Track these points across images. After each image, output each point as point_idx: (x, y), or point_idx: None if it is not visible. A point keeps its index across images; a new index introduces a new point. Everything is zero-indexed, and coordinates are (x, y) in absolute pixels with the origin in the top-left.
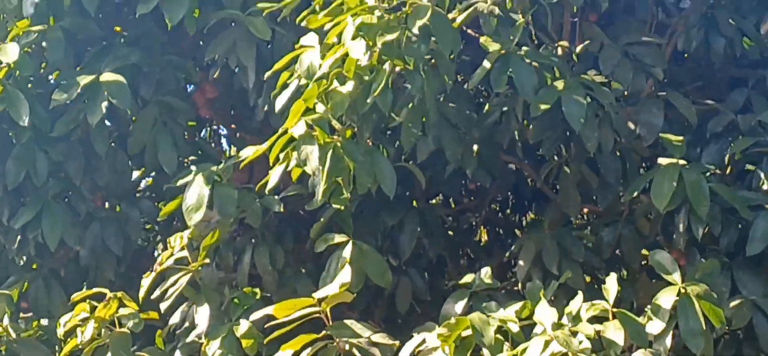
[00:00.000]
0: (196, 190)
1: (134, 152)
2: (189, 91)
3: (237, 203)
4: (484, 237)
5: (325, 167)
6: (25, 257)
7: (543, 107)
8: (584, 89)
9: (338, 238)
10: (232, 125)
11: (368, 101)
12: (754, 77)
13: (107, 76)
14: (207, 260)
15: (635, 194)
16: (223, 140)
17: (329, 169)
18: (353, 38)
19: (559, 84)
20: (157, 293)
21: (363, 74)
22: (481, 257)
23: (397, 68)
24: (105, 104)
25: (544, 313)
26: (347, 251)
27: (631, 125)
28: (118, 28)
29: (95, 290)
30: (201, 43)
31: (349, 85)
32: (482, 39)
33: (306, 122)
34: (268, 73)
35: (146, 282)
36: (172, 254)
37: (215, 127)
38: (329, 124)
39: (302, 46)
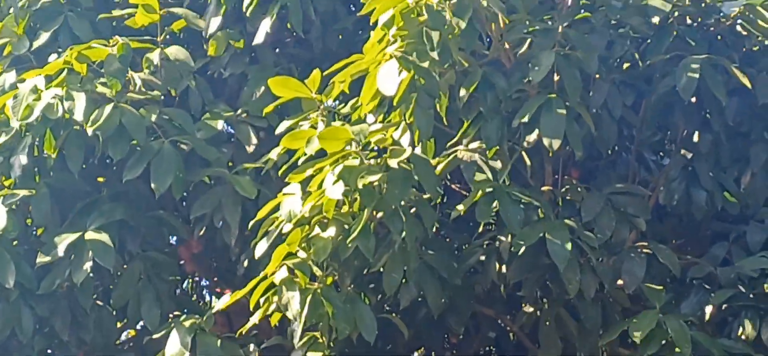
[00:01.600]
0: (177, 340)
1: (119, 306)
2: (173, 243)
3: (220, 352)
4: None
5: (303, 312)
6: None
7: (527, 242)
8: (568, 231)
9: None
10: (215, 278)
11: (349, 245)
12: (736, 232)
13: (92, 235)
14: None
15: (613, 338)
16: (205, 293)
17: (307, 314)
18: (334, 183)
19: (544, 224)
20: None
21: (344, 221)
22: None
23: (379, 215)
24: (89, 263)
25: None
26: None
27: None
28: (101, 179)
29: None
30: (186, 196)
31: (331, 231)
32: (468, 179)
33: (287, 267)
34: (251, 223)
35: None
36: None
37: (197, 279)
38: (311, 270)
39: (285, 194)
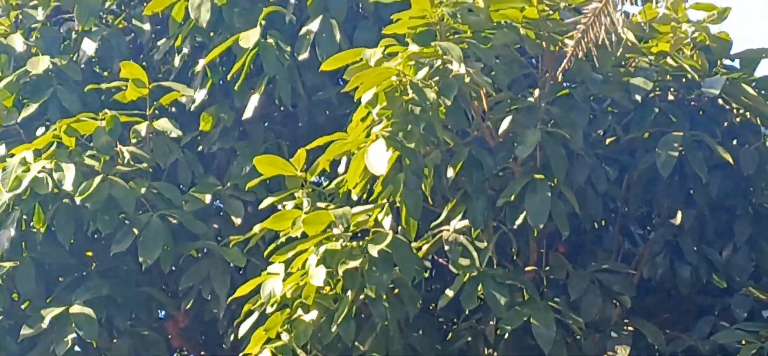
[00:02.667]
0: None
1: None
2: (161, 317)
3: None
4: None
5: None
6: None
7: (512, 326)
8: (553, 313)
9: None
10: (202, 352)
11: (332, 330)
12: (721, 305)
13: (76, 309)
14: None
15: None
16: None
17: None
18: (316, 266)
19: (529, 307)
20: None
21: (326, 304)
22: None
23: (362, 297)
24: (73, 336)
25: None
26: None
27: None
28: (89, 253)
29: None
30: (174, 269)
31: (313, 314)
32: (452, 263)
33: (270, 351)
34: (230, 298)
35: None
36: None
37: (185, 353)
38: (293, 353)
39: (268, 273)
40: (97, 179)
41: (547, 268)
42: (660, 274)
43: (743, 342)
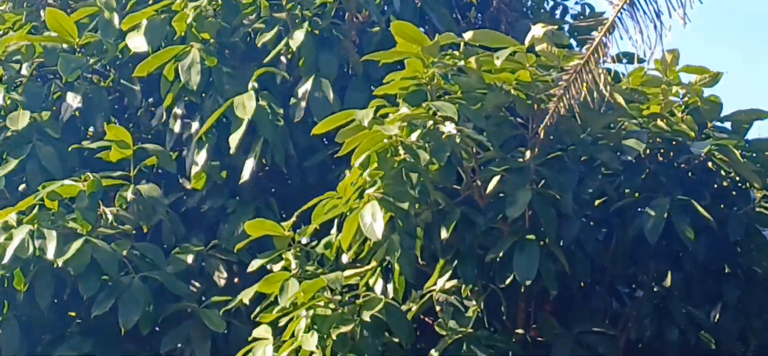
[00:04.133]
0: None
1: None
2: None
3: None
4: None
5: None
6: None
7: None
8: None
9: None
10: None
11: None
12: None
13: None
14: None
15: None
16: None
17: None
18: (306, 331)
19: None
20: None
21: None
22: None
23: None
24: None
25: None
26: None
27: None
28: (73, 314)
29: None
30: (157, 329)
31: None
32: (437, 325)
33: None
34: None
35: None
36: None
37: None
38: None
39: (256, 338)
40: (79, 242)
41: (535, 326)
42: (648, 336)
43: None
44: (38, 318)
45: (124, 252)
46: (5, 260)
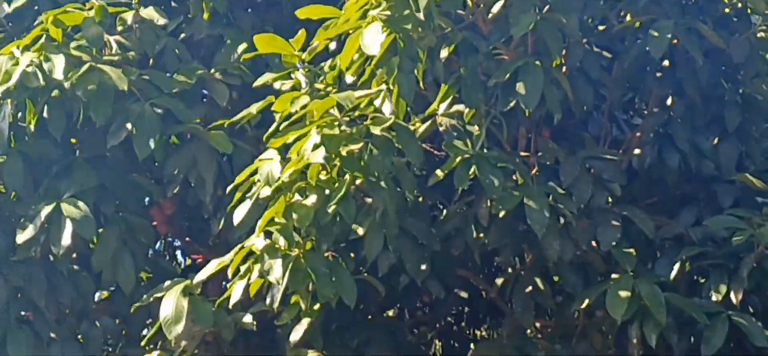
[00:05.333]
0: (173, 303)
1: (98, 270)
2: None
3: (213, 318)
4: (439, 351)
5: (284, 278)
6: None
7: (506, 207)
8: (547, 197)
9: (311, 354)
10: (187, 239)
11: (329, 211)
12: (706, 192)
13: (70, 209)
14: None
15: (586, 303)
16: (178, 253)
17: (289, 280)
18: (314, 149)
19: (522, 190)
20: None
21: (324, 187)
22: None
23: (358, 181)
24: (69, 234)
25: None
26: None
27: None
28: (74, 140)
29: None
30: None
31: (313, 198)
32: (444, 145)
33: (267, 233)
34: (229, 188)
35: None
36: None
37: (170, 239)
38: (291, 236)
39: (262, 160)
40: (86, 66)
41: (540, 154)
42: (648, 162)
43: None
44: (46, 153)
45: (132, 78)
46: (11, 84)
